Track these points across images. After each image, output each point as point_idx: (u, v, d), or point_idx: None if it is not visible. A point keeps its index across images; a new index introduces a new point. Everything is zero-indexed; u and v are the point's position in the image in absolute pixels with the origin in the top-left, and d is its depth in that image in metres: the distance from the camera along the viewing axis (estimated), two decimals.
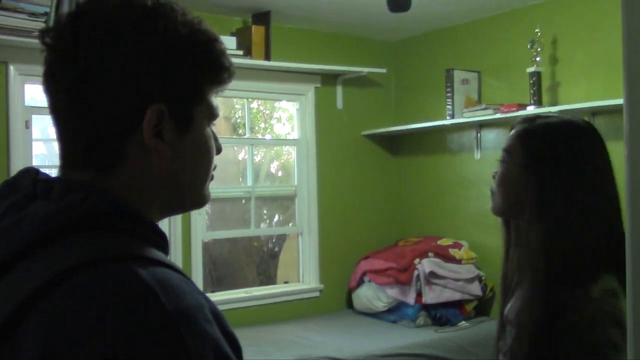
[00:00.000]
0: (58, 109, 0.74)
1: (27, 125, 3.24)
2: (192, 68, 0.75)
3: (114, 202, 0.70)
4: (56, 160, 0.78)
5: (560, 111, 3.26)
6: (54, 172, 0.78)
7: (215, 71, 0.78)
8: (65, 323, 0.61)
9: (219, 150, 0.81)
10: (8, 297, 0.64)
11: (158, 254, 0.70)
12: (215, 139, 0.81)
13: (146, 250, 0.68)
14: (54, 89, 0.74)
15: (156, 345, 0.61)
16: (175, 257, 3.58)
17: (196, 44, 0.76)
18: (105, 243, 0.67)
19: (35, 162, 3.29)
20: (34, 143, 3.30)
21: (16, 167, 3.15)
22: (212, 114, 0.79)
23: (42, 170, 0.77)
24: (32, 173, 0.76)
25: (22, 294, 0.63)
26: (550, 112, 3.33)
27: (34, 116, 3.26)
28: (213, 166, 0.81)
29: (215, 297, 3.67)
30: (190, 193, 0.80)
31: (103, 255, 0.65)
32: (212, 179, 0.82)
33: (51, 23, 3.03)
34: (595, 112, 3.31)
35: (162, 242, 0.74)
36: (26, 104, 3.24)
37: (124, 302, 0.62)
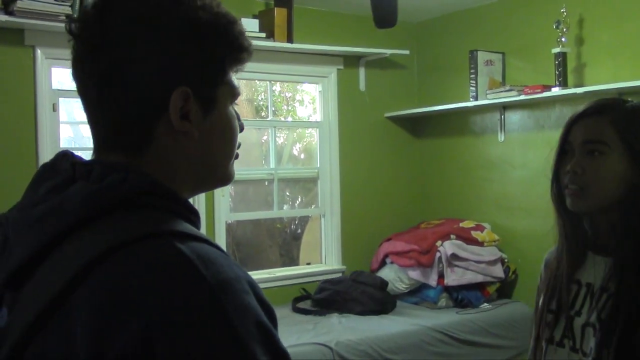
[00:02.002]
0: (88, 96, 0.77)
1: (55, 108, 3.30)
2: (214, 50, 0.78)
3: (151, 181, 0.73)
4: (83, 143, 0.81)
5: (586, 92, 3.22)
6: (82, 155, 0.81)
7: (236, 52, 0.80)
8: (113, 298, 0.64)
9: (241, 129, 0.84)
10: (56, 275, 0.67)
11: (195, 230, 0.73)
12: (238, 118, 0.83)
13: (184, 227, 0.71)
14: (83, 76, 0.77)
15: (201, 316, 0.63)
16: None
17: (217, 26, 0.78)
18: (146, 220, 0.70)
19: (62, 145, 3.34)
20: (61, 126, 3.35)
21: (44, 150, 3.21)
22: (233, 94, 0.81)
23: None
24: (69, 156, 0.79)
25: (71, 271, 0.66)
26: (575, 92, 3.29)
27: (61, 99, 3.31)
28: (237, 144, 0.83)
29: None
30: (216, 172, 0.82)
31: (144, 232, 0.68)
32: (236, 157, 0.84)
33: (77, 7, 3.08)
34: (622, 93, 3.26)
35: (195, 219, 0.77)
36: (53, 87, 3.29)
37: (168, 276, 0.65)
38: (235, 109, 0.83)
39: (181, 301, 0.64)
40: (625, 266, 1.25)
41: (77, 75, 0.77)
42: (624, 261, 1.25)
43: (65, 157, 0.78)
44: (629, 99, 1.36)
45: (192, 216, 0.76)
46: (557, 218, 1.39)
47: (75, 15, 0.79)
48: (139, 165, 0.75)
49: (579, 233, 1.38)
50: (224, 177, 0.84)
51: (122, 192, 0.71)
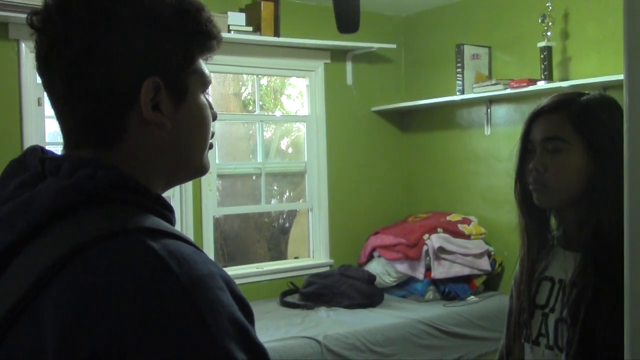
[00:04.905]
0: (55, 91, 0.75)
1: (40, 102, 3.27)
2: (183, 38, 0.76)
3: (121, 176, 0.72)
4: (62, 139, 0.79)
5: (572, 86, 3.25)
6: (61, 150, 0.79)
7: (205, 39, 0.78)
8: (83, 297, 0.63)
9: (214, 118, 0.82)
10: (25, 274, 0.66)
11: (167, 226, 0.71)
12: (210, 107, 0.82)
13: (155, 223, 0.70)
14: (49, 71, 0.75)
15: (173, 315, 0.62)
16: (187, 232, 3.62)
17: (184, 14, 0.76)
18: (116, 216, 0.69)
19: (48, 140, 3.32)
20: (46, 120, 3.33)
21: (29, 144, 3.17)
22: (204, 82, 0.80)
23: (55, 148, 0.79)
24: (38, 151, 0.77)
25: (39, 269, 0.65)
26: (560, 86, 3.32)
27: (46, 94, 3.28)
28: (211, 134, 0.82)
29: (226, 272, 3.72)
30: (191, 163, 0.81)
31: (114, 229, 0.67)
32: (210, 147, 0.83)
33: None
34: (607, 86, 3.29)
35: (169, 215, 0.75)
36: (38, 81, 3.27)
37: (138, 275, 0.64)
38: (207, 97, 0.82)
39: (153, 300, 0.62)
40: (588, 260, 1.25)
41: (43, 70, 0.76)
42: (588, 255, 1.25)
43: (35, 153, 0.77)
44: (587, 92, 1.36)
45: (166, 212, 0.75)
46: (519, 218, 1.40)
47: (37, 8, 0.76)
48: (110, 159, 0.73)
49: (542, 232, 1.39)
50: (199, 168, 0.82)
51: (91, 187, 0.70)
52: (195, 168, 0.82)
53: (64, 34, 0.72)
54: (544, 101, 1.35)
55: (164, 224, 0.71)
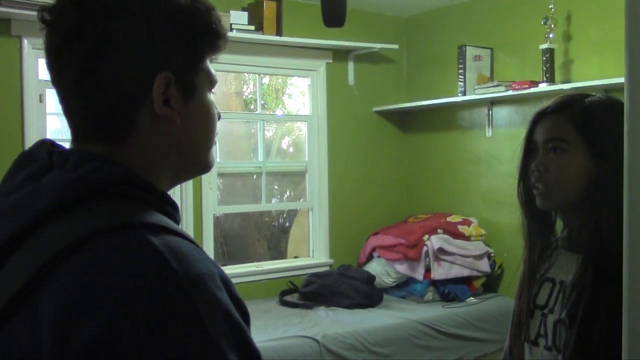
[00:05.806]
0: (66, 85, 0.76)
1: (41, 99, 3.28)
2: (194, 36, 0.77)
3: (126, 172, 0.72)
4: (70, 134, 0.80)
5: (573, 88, 3.24)
6: (67, 146, 0.80)
7: (214, 38, 0.80)
8: (80, 290, 0.63)
9: (218, 117, 0.84)
10: (26, 264, 0.67)
11: (170, 223, 0.71)
12: (215, 106, 0.83)
13: (158, 219, 0.70)
14: (60, 65, 0.75)
15: (169, 312, 0.62)
16: (187, 231, 3.62)
17: (196, 12, 0.77)
18: (118, 211, 0.69)
19: (49, 136, 3.32)
20: (48, 117, 3.33)
21: (31, 141, 3.19)
22: (211, 81, 0.81)
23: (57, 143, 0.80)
24: (47, 144, 0.78)
25: (40, 261, 0.66)
26: (561, 88, 3.32)
27: (47, 90, 3.29)
28: (215, 132, 0.83)
29: (226, 270, 3.69)
30: (197, 159, 0.82)
31: (116, 223, 0.67)
32: (214, 144, 0.84)
33: None
34: (608, 89, 3.29)
35: (173, 212, 0.76)
36: (40, 78, 3.27)
37: (137, 269, 0.64)
38: (212, 97, 0.83)
39: (149, 295, 0.62)
40: (589, 261, 1.25)
41: (53, 65, 0.76)
42: (589, 256, 1.26)
43: (44, 146, 0.78)
44: (592, 94, 1.37)
45: (170, 209, 0.75)
46: (522, 219, 1.41)
47: (48, 4, 0.77)
48: (118, 155, 0.74)
49: (545, 233, 1.40)
50: (205, 165, 0.83)
51: (96, 181, 0.70)
52: (200, 165, 0.83)
53: (77, 29, 0.73)
54: (547, 102, 1.35)
55: (166, 221, 0.71)
